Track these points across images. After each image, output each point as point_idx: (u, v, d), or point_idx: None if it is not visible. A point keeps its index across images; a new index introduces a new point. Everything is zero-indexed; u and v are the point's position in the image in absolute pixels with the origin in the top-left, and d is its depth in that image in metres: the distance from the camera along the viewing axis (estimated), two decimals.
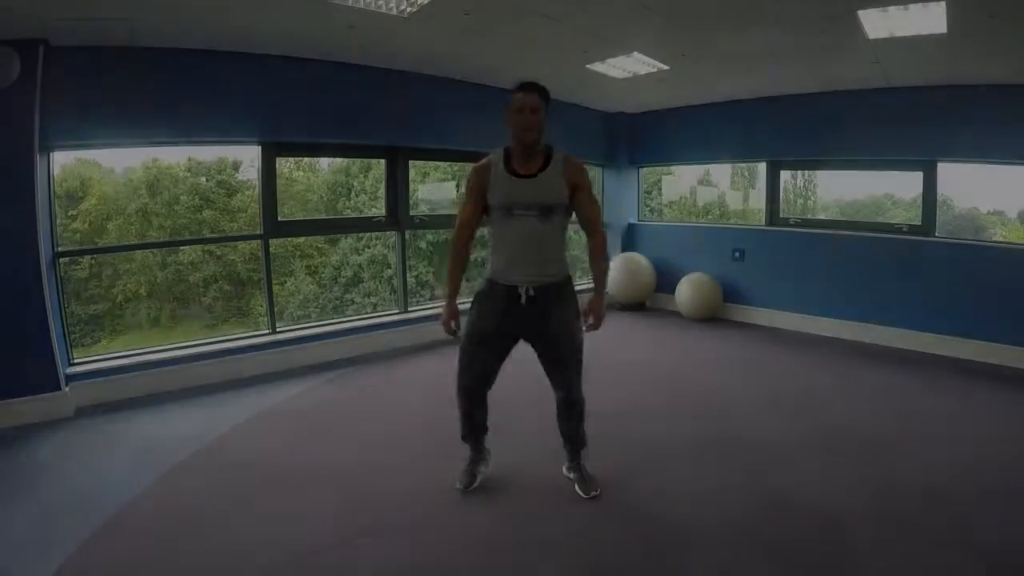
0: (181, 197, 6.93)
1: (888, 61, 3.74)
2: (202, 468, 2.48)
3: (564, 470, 2.36)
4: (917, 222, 4.56)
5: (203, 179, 7.20)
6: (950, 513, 2.07)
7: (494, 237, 2.08)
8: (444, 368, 3.88)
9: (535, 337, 2.09)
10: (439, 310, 5.07)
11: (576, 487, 2.25)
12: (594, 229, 2.12)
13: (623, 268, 5.80)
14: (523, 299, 1.99)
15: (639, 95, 5.23)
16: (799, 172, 5.99)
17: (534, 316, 2.02)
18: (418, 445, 2.70)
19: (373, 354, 4.30)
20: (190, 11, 2.86)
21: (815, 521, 2.03)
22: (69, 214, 6.31)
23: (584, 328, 2.12)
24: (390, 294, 7.63)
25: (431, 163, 5.11)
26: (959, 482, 2.30)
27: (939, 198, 4.51)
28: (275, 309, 4.13)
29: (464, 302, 2.15)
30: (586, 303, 2.10)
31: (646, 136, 6.12)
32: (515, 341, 2.12)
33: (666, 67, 4.18)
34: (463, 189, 2.08)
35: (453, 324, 2.09)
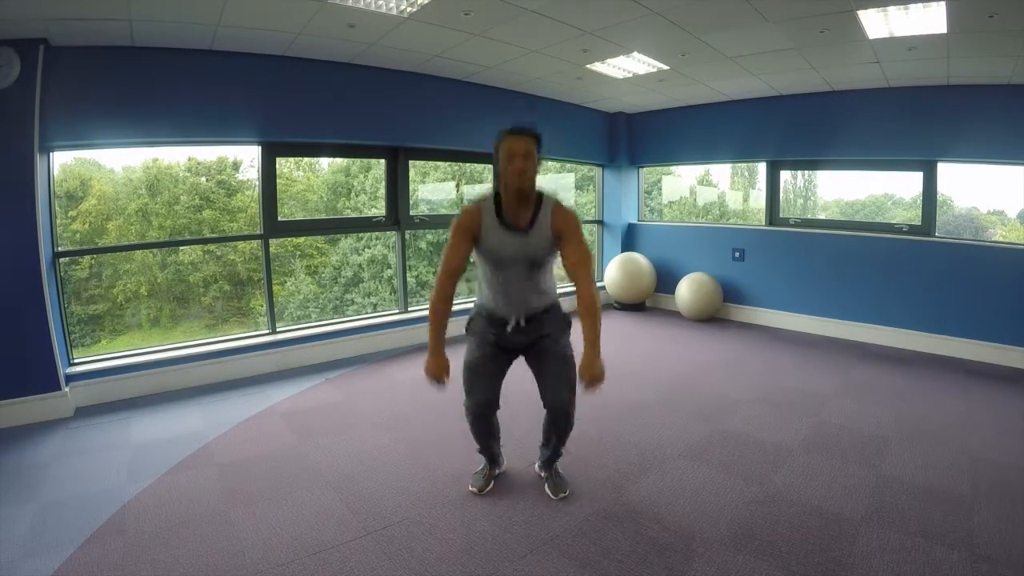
0: (181, 197, 6.93)
1: (888, 61, 3.74)
2: (202, 468, 2.48)
3: (536, 468, 2.40)
4: (917, 222, 4.57)
5: (203, 179, 7.19)
6: (950, 513, 2.07)
7: (483, 277, 2.05)
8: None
9: (529, 351, 2.10)
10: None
11: (546, 487, 2.28)
12: (581, 279, 1.93)
13: (623, 268, 5.81)
14: (511, 329, 2.02)
15: (639, 95, 5.23)
16: (799, 172, 5.98)
17: (526, 336, 2.05)
18: (418, 445, 2.70)
19: (373, 354, 4.30)
20: (190, 11, 2.87)
21: (815, 521, 2.03)
22: (69, 214, 6.30)
23: (579, 387, 1.98)
24: (390, 294, 7.63)
25: (431, 163, 5.10)
26: (959, 482, 2.31)
27: (939, 198, 4.52)
28: (275, 309, 4.13)
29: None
30: (580, 364, 1.93)
31: (646, 136, 6.13)
32: (512, 357, 2.13)
33: (666, 67, 4.18)
34: (448, 236, 1.97)
35: (445, 378, 2.00)
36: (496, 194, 1.97)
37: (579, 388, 1.98)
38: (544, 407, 2.11)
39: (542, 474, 2.34)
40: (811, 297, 4.99)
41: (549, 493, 2.24)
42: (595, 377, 1.88)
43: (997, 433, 2.81)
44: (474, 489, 2.26)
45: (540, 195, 1.96)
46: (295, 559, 1.84)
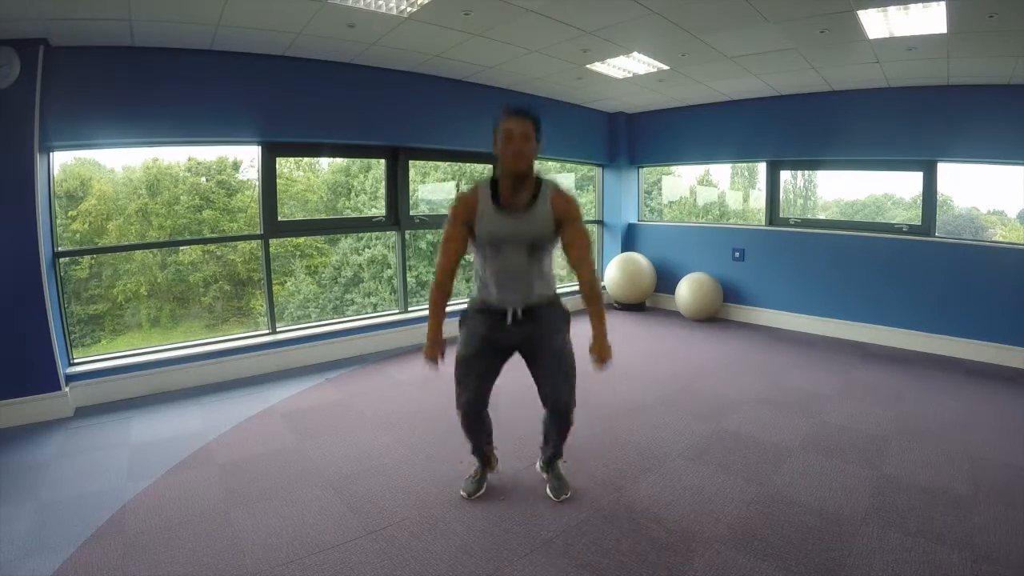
0: (181, 197, 6.94)
1: (888, 61, 3.74)
2: (202, 468, 2.48)
3: (537, 468, 2.38)
4: (917, 222, 4.57)
5: (203, 179, 7.20)
6: (950, 513, 2.07)
7: (481, 266, 2.01)
8: (443, 368, 3.89)
9: (525, 349, 2.05)
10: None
11: (547, 488, 2.24)
12: (582, 263, 1.97)
13: (623, 268, 5.81)
14: (510, 320, 1.96)
15: (639, 95, 5.23)
16: (799, 172, 5.98)
17: (523, 331, 2.00)
18: (418, 445, 2.70)
19: (373, 354, 4.30)
20: (190, 11, 2.87)
21: (815, 521, 2.03)
22: (69, 214, 6.31)
23: (592, 366, 2.01)
24: (390, 294, 7.64)
25: (431, 163, 5.11)
26: (959, 482, 2.31)
27: (939, 198, 4.52)
28: (275, 309, 4.13)
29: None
30: (591, 345, 1.97)
31: (646, 136, 6.13)
32: (507, 356, 2.09)
33: (666, 67, 4.18)
34: (448, 217, 1.98)
35: (439, 358, 2.00)
36: (493, 180, 1.96)
37: (588, 371, 2.00)
38: (543, 405, 2.09)
39: (543, 475, 2.33)
40: (811, 297, 4.99)
41: (550, 495, 2.21)
42: (605, 357, 1.95)
43: (997, 433, 2.80)
44: (464, 494, 2.23)
45: (539, 179, 1.95)
46: (295, 559, 1.84)
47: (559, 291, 2.11)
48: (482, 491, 2.26)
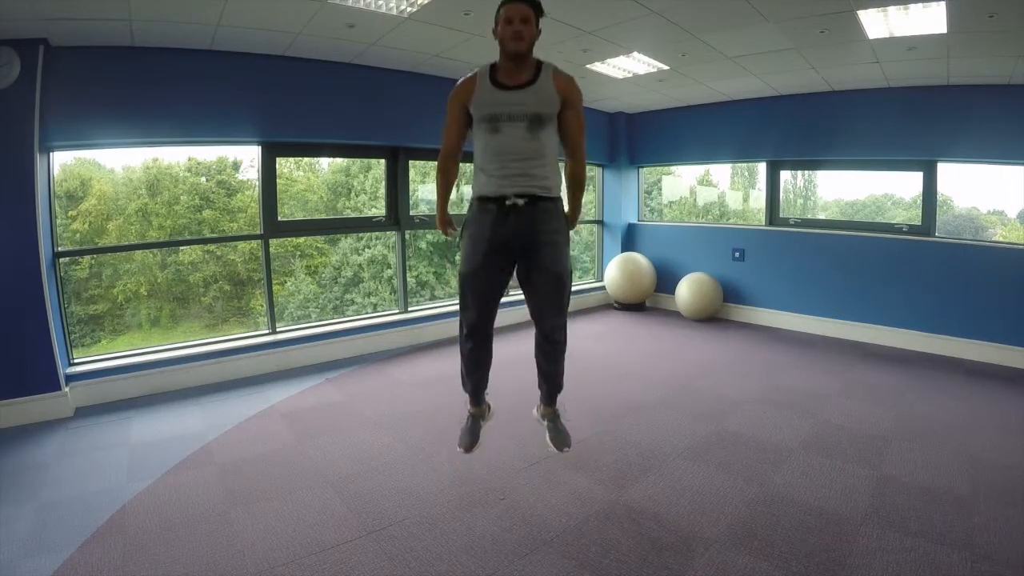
0: (181, 197, 6.94)
1: (888, 61, 3.74)
2: (202, 468, 2.48)
3: (536, 413, 2.28)
4: (917, 222, 4.57)
5: (203, 179, 7.20)
6: (950, 513, 2.07)
7: (480, 154, 1.95)
8: (443, 368, 3.90)
9: (524, 259, 1.96)
10: (439, 310, 5.03)
11: (547, 437, 2.18)
12: (576, 151, 2.06)
13: (623, 268, 5.81)
14: (509, 208, 1.88)
15: (639, 95, 5.23)
16: (799, 172, 5.98)
17: (523, 233, 1.91)
18: (418, 445, 2.70)
19: (373, 354, 4.30)
20: (190, 11, 2.87)
21: (815, 521, 2.03)
22: (69, 214, 6.31)
23: None
24: (390, 294, 7.64)
25: (431, 163, 5.14)
26: (959, 482, 2.31)
27: (939, 198, 4.52)
28: (275, 309, 4.13)
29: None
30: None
31: (646, 136, 6.13)
32: (509, 265, 2.00)
33: (666, 67, 4.18)
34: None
35: (450, 229, 2.15)
36: (492, 64, 1.95)
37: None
38: (536, 328, 2.05)
39: (544, 423, 2.24)
40: (811, 297, 4.99)
41: (551, 445, 2.14)
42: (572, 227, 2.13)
43: (997, 433, 2.80)
44: (461, 449, 2.16)
45: (539, 60, 1.94)
46: (295, 559, 1.84)
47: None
48: (479, 443, 2.19)
